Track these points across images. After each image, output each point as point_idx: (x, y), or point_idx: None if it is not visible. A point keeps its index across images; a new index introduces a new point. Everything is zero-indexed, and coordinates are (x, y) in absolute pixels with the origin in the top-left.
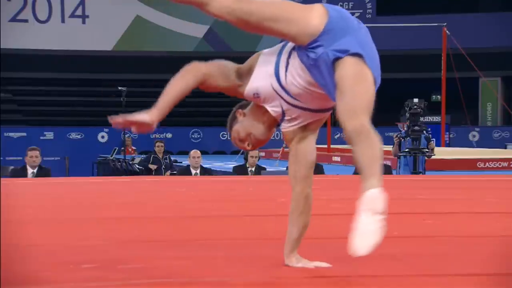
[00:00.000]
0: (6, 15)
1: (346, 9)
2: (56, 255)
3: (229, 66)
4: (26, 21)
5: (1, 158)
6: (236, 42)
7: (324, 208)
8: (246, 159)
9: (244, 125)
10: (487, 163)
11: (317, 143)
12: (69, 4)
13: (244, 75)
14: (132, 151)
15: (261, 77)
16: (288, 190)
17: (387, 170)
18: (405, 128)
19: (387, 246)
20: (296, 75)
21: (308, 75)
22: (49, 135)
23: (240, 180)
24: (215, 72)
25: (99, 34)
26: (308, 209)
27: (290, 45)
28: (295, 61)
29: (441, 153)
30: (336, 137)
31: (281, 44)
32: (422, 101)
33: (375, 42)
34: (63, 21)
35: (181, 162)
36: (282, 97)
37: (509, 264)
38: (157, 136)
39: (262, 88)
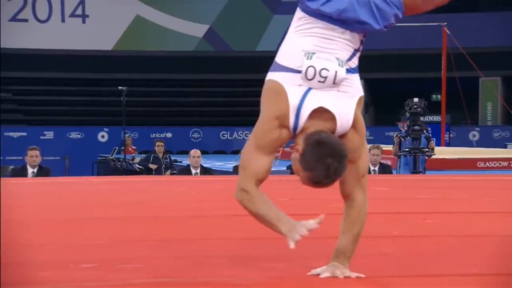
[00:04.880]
0: (6, 15)
1: None
2: (55, 255)
3: None
4: (26, 20)
5: (1, 158)
6: (236, 41)
7: (323, 208)
8: None
9: None
10: (487, 163)
11: None
12: (69, 4)
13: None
14: (132, 151)
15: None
16: (287, 189)
17: (387, 169)
18: (405, 128)
19: (387, 245)
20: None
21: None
22: (49, 134)
23: None
24: None
25: (99, 34)
26: None
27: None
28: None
29: (441, 152)
30: None
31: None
32: (422, 101)
33: (375, 42)
34: (63, 20)
35: (181, 162)
36: None
37: (510, 264)
38: (157, 135)
39: None
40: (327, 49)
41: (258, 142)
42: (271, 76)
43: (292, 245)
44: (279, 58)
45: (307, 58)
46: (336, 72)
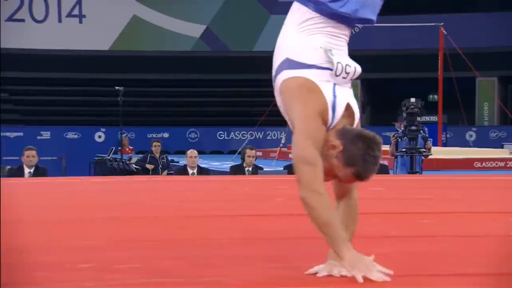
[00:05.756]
0: (2, 15)
1: None
2: (52, 255)
3: None
4: (22, 20)
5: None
6: (233, 42)
7: None
8: (243, 159)
9: None
10: (484, 163)
11: None
12: (66, 4)
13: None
14: (129, 151)
15: None
16: (285, 189)
17: (384, 170)
18: (402, 128)
19: (384, 245)
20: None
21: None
22: (46, 134)
23: (237, 179)
24: None
25: (96, 34)
26: None
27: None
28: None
29: (438, 152)
30: None
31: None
32: (419, 101)
33: (372, 41)
34: (60, 20)
35: (178, 162)
36: None
37: (509, 264)
38: (154, 135)
39: None
40: (337, 45)
41: (313, 139)
42: (293, 73)
43: (361, 279)
44: (294, 56)
45: (331, 55)
46: (355, 67)
